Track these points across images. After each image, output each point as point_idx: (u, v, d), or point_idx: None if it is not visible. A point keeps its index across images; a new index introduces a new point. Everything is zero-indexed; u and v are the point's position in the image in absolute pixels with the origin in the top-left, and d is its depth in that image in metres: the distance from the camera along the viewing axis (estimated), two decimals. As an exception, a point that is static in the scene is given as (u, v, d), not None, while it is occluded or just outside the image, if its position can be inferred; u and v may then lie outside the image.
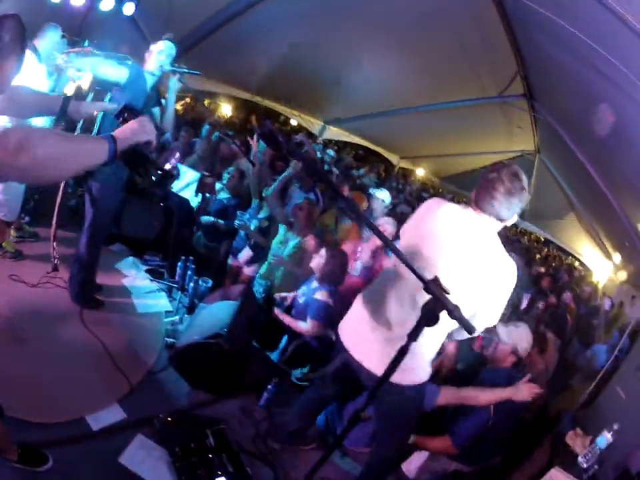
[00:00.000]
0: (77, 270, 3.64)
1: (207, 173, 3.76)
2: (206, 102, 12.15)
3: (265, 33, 7.45)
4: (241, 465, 2.73)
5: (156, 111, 3.66)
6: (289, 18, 7.03)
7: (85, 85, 3.61)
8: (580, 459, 3.05)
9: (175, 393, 3.18)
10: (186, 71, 3.68)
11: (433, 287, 1.53)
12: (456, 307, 1.52)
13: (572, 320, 7.05)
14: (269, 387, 3.34)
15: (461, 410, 3.16)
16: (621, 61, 3.94)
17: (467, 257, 2.22)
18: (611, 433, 3.00)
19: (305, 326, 3.89)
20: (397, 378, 1.96)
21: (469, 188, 13.22)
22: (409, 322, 1.68)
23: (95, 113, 2.21)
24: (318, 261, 3.94)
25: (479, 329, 2.31)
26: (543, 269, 10.95)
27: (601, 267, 10.85)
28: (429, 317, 1.54)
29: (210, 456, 2.67)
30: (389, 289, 2.41)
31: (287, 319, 4.00)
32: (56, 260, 3.55)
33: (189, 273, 4.22)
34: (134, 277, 4.40)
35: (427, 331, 1.61)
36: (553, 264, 14.01)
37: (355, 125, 11.78)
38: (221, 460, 2.68)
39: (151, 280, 4.42)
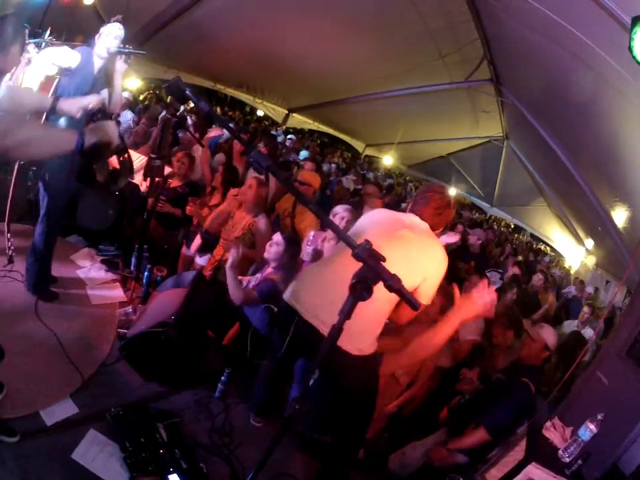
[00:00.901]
0: (33, 260, 3.59)
1: (154, 156, 3.58)
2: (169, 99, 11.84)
3: (225, 20, 7.28)
4: (194, 460, 2.62)
5: (104, 93, 3.55)
6: (249, 4, 6.82)
7: (51, 75, 3.62)
8: (560, 452, 2.73)
9: (128, 386, 3.09)
10: (130, 51, 3.59)
11: (362, 251, 1.46)
12: (394, 276, 1.45)
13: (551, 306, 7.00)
14: (222, 377, 3.22)
15: (487, 398, 3.45)
16: (585, 34, 3.84)
17: (405, 242, 2.65)
18: (594, 423, 2.64)
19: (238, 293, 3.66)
20: (345, 346, 2.42)
21: (437, 175, 13.27)
22: None
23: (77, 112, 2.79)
24: (275, 249, 3.75)
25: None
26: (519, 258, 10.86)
27: (573, 252, 10.90)
28: (360, 288, 1.46)
29: (161, 451, 2.56)
30: (339, 264, 2.62)
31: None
32: (11, 252, 3.60)
33: (143, 262, 4.10)
34: (89, 268, 4.33)
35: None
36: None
37: (319, 112, 11.64)
38: (173, 455, 2.57)
39: (106, 271, 4.35)
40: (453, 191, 13.54)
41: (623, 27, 2.97)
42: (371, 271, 1.43)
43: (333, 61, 8.42)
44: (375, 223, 2.86)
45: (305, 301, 2.60)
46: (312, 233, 4.16)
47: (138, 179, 4.17)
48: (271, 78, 9.58)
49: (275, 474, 2.83)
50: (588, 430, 2.64)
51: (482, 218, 15.54)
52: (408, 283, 2.53)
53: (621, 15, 2.99)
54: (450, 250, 7.03)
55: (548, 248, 14.67)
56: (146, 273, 4.01)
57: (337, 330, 1.60)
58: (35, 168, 4.03)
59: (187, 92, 1.88)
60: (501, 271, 6.94)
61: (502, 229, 16.83)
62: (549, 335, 3.67)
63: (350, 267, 2.21)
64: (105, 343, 3.35)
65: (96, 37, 3.47)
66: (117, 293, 4.09)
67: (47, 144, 1.87)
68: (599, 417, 2.63)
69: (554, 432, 2.92)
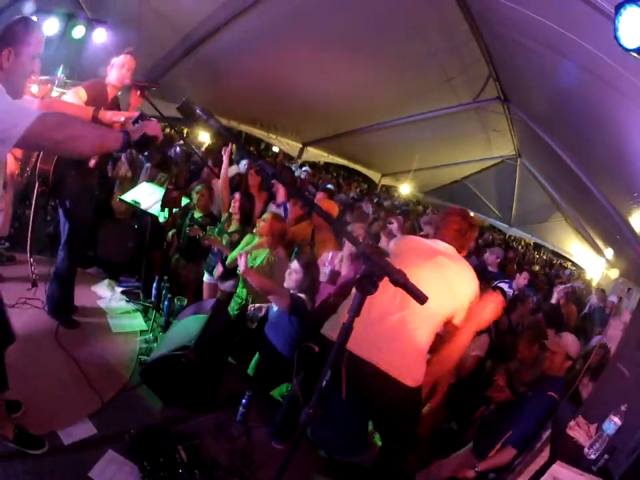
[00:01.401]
0: (56, 286, 3.68)
1: (171, 187, 3.68)
2: (185, 131, 12.08)
3: (234, 56, 7.42)
4: None
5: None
6: (256, 38, 7.00)
7: None
8: (586, 450, 2.63)
9: (148, 410, 3.10)
10: (146, 85, 3.71)
11: (366, 248, 1.51)
12: (399, 271, 1.49)
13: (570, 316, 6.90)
14: (243, 400, 3.21)
15: (512, 412, 3.45)
16: (591, 43, 3.89)
17: (442, 267, 2.78)
18: (618, 416, 2.57)
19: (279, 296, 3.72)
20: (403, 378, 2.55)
21: (454, 200, 13.26)
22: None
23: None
24: (295, 277, 3.80)
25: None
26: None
27: (593, 264, 10.76)
28: (366, 283, 1.51)
29: (180, 471, 2.56)
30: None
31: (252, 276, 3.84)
32: (35, 276, 3.58)
33: (164, 292, 4.14)
34: (109, 298, 4.37)
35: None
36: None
37: (333, 144, 11.74)
38: (192, 475, 2.57)
39: (127, 301, 4.40)
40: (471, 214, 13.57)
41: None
42: (377, 267, 1.48)
43: (342, 92, 8.54)
44: (410, 248, 2.97)
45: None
46: (330, 254, 4.22)
47: (155, 208, 4.24)
48: (283, 112, 9.73)
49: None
50: (612, 423, 2.58)
51: (501, 238, 15.41)
52: (447, 308, 2.74)
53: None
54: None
55: (569, 263, 14.47)
56: (166, 302, 4.04)
57: (348, 327, 1.65)
58: (53, 203, 4.12)
59: (198, 110, 1.98)
60: (508, 280, 6.87)
61: (521, 248, 16.64)
62: (569, 343, 3.66)
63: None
64: (125, 369, 3.39)
65: (107, 68, 3.55)
66: (138, 321, 4.13)
67: (94, 140, 1.96)
68: (623, 408, 2.57)
69: (578, 430, 2.85)
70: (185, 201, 4.62)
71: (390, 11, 6.17)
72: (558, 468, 2.46)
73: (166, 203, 3.75)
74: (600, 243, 9.68)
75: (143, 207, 4.33)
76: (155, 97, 8.59)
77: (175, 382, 3.10)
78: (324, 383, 1.77)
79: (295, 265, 3.79)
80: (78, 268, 3.90)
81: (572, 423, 2.87)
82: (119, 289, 4.56)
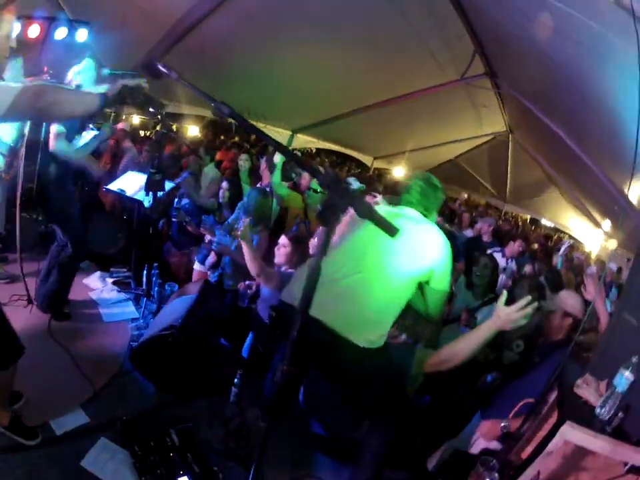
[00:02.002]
0: (55, 280, 3.79)
1: (153, 170, 3.70)
2: (174, 126, 12.04)
3: (218, 47, 7.41)
4: (207, 464, 2.63)
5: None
6: (241, 28, 6.95)
7: None
8: (598, 410, 2.41)
9: (141, 396, 3.13)
10: (123, 72, 3.72)
11: (327, 177, 1.42)
12: (364, 202, 1.47)
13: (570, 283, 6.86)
14: (235, 380, 3.22)
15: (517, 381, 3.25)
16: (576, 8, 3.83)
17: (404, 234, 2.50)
18: (630, 368, 2.33)
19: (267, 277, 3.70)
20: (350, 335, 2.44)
21: (447, 180, 13.16)
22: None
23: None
24: (284, 251, 3.78)
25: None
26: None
27: (591, 236, 10.71)
28: (329, 215, 1.42)
29: (171, 454, 2.59)
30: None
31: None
32: (28, 293, 3.76)
33: (154, 279, 4.18)
34: (101, 289, 4.50)
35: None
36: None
37: (322, 129, 11.57)
38: (185, 459, 2.59)
39: (118, 291, 4.50)
40: (464, 195, 13.54)
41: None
42: (340, 196, 1.40)
43: (328, 76, 8.46)
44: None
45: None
46: (321, 228, 4.21)
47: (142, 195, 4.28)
48: (271, 100, 9.65)
49: (301, 475, 2.86)
50: (624, 377, 2.35)
51: (497, 215, 15.32)
52: (408, 268, 2.64)
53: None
54: (464, 241, 7.01)
55: (566, 236, 14.41)
56: (156, 288, 4.10)
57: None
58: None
59: (159, 66, 1.92)
60: (501, 249, 6.87)
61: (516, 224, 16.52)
62: (565, 299, 3.45)
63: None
64: (117, 356, 3.43)
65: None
66: (129, 310, 4.20)
67: (74, 103, 2.07)
68: (634, 360, 2.35)
69: (587, 389, 2.60)
70: (169, 185, 4.63)
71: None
72: (568, 429, 2.26)
73: (149, 186, 3.76)
74: (597, 215, 9.63)
75: (128, 193, 4.42)
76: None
77: (165, 365, 3.10)
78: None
79: (283, 239, 3.79)
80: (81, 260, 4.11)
81: (579, 382, 2.63)
82: (110, 280, 4.65)
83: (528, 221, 16.97)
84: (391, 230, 1.43)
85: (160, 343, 3.05)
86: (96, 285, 4.56)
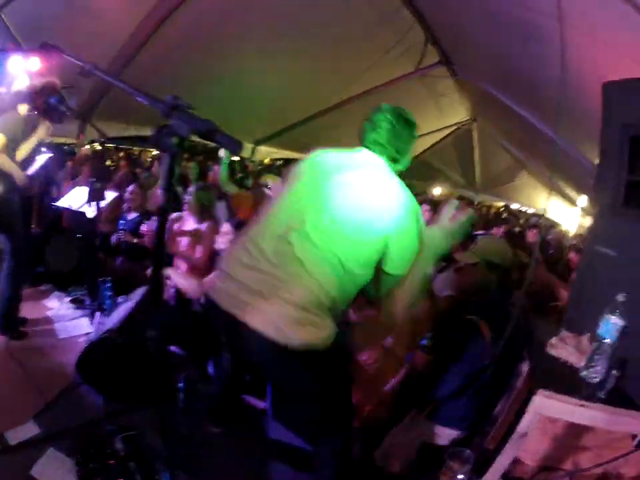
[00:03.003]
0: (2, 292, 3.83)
1: (94, 179, 3.67)
2: (135, 150, 11.84)
3: (173, 62, 7.29)
4: (152, 472, 2.54)
5: None
6: (194, 42, 6.89)
7: None
8: (583, 372, 1.90)
9: (90, 406, 3.13)
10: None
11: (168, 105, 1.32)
12: (206, 121, 1.33)
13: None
14: (179, 385, 3.12)
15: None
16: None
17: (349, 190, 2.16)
18: (617, 311, 1.82)
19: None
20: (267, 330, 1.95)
21: (416, 176, 13.01)
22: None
23: None
24: (228, 239, 3.65)
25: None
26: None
27: (568, 215, 10.64)
28: (165, 136, 1.31)
29: (111, 462, 2.55)
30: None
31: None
32: None
33: (105, 292, 4.18)
34: (58, 308, 4.66)
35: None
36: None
37: (283, 139, 11.44)
38: (125, 467, 2.53)
39: (75, 308, 4.65)
40: (437, 190, 13.44)
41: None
42: (183, 120, 1.30)
43: (283, 83, 8.40)
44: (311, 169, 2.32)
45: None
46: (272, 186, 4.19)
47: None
48: (232, 113, 9.43)
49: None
50: (610, 324, 1.83)
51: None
52: (366, 250, 2.09)
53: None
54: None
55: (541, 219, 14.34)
56: (108, 302, 4.09)
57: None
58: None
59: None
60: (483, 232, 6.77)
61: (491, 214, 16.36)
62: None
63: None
64: (69, 369, 3.42)
65: None
66: (84, 325, 4.29)
67: None
68: (620, 298, 1.82)
69: (565, 347, 2.07)
70: (110, 195, 4.60)
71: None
72: (542, 400, 1.70)
73: (91, 196, 3.76)
74: (572, 193, 9.58)
75: (74, 207, 4.46)
76: (100, 120, 8.49)
77: (111, 372, 3.06)
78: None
79: (225, 226, 3.67)
80: (31, 286, 4.38)
81: (554, 340, 2.14)
82: (67, 299, 4.80)
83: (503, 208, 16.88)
84: (234, 146, 1.39)
85: (100, 348, 3.07)
86: (53, 305, 4.70)
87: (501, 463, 1.82)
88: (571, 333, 2.20)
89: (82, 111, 8.10)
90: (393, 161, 2.27)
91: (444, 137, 11.50)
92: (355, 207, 2.10)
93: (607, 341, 1.86)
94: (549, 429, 1.90)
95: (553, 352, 2.10)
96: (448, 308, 3.14)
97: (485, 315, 2.84)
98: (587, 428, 1.82)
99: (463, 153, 11.85)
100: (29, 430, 2.83)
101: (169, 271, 3.82)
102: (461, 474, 1.89)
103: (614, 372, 1.82)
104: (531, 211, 12.58)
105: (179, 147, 1.33)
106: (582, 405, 1.67)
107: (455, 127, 10.99)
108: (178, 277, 3.86)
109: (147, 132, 9.54)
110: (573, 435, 1.89)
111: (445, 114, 10.10)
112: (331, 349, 2.02)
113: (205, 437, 2.92)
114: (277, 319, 1.94)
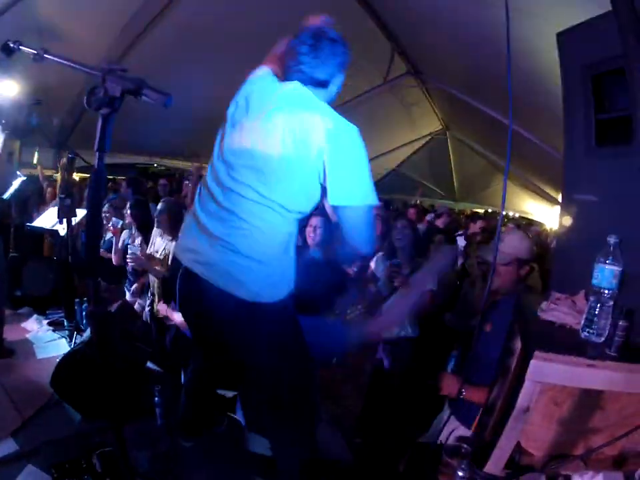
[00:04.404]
0: None
1: (62, 195, 3.60)
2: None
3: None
4: None
5: None
6: (156, 68, 6.83)
7: None
8: (585, 333, 1.61)
9: (68, 424, 3.10)
10: None
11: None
12: (137, 79, 1.39)
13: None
14: (155, 399, 3.04)
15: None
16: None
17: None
18: (610, 257, 1.56)
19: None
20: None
21: (394, 191, 13.03)
22: None
23: None
24: None
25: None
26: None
27: (549, 213, 10.65)
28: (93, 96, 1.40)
29: (85, 477, 2.50)
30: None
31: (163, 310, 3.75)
32: None
33: (83, 313, 4.24)
34: (37, 330, 4.66)
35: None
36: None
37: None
38: None
39: (53, 330, 4.64)
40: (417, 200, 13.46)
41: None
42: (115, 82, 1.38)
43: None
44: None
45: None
46: None
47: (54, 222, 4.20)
48: (202, 136, 9.45)
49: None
50: (605, 271, 1.56)
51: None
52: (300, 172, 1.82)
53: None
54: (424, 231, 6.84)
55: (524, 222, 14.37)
56: (84, 321, 4.13)
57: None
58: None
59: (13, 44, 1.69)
60: (461, 232, 6.72)
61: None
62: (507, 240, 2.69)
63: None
64: (46, 388, 3.39)
65: None
66: (62, 345, 4.28)
67: None
68: (611, 240, 1.57)
69: (558, 309, 1.80)
70: (81, 212, 4.46)
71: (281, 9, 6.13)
72: (540, 365, 1.46)
73: (61, 213, 3.70)
74: (551, 191, 9.62)
75: (46, 227, 4.52)
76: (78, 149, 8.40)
77: (86, 387, 2.98)
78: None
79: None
80: (9, 309, 4.31)
81: (544, 305, 1.84)
82: (46, 321, 4.80)
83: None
84: (163, 98, 1.39)
85: (71, 361, 3.08)
86: (32, 327, 4.72)
87: (503, 447, 1.63)
88: (562, 294, 1.90)
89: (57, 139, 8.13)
90: (320, 85, 1.95)
91: (418, 149, 11.61)
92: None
93: (607, 290, 1.58)
94: (555, 413, 1.66)
95: (545, 316, 1.80)
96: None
97: None
98: (596, 407, 1.63)
99: (439, 163, 11.92)
100: (7, 447, 2.80)
101: (165, 310, 3.74)
102: (460, 470, 1.73)
103: (621, 323, 1.51)
104: (511, 214, 12.56)
105: (109, 106, 1.38)
106: (591, 366, 1.44)
107: (429, 138, 11.13)
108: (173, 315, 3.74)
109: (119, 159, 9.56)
110: (582, 417, 1.67)
111: (417, 125, 10.22)
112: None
113: (181, 452, 2.84)
114: None
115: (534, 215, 11.76)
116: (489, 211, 12.60)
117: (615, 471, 1.67)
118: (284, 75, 2.02)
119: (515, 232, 3.15)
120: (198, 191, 2.07)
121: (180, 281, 1.99)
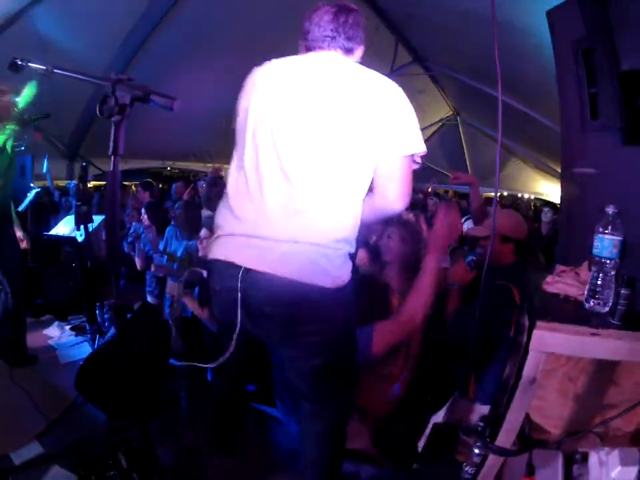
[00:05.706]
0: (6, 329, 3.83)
1: (79, 203, 3.67)
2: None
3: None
4: None
5: None
6: (166, 71, 6.97)
7: None
8: (590, 304, 1.57)
9: (93, 424, 3.15)
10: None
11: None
12: (143, 86, 1.50)
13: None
14: (181, 394, 3.17)
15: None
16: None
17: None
18: (609, 226, 1.57)
19: None
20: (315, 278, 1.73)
21: (409, 180, 13.01)
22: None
23: None
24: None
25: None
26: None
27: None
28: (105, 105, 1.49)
29: (112, 473, 2.52)
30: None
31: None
32: None
33: (105, 316, 4.28)
34: (59, 336, 4.66)
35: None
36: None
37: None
38: (127, 477, 2.50)
39: (75, 335, 4.65)
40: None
41: None
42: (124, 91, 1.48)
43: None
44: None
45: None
46: None
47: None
48: (212, 136, 9.50)
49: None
50: (605, 241, 1.57)
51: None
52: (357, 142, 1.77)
53: None
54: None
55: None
56: (107, 324, 4.16)
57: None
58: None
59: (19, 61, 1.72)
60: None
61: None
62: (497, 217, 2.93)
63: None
64: (70, 391, 3.41)
65: None
66: (84, 349, 4.28)
67: None
68: (610, 210, 1.58)
69: (562, 281, 1.79)
70: (98, 218, 4.58)
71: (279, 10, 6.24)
72: (543, 335, 1.46)
73: (78, 220, 3.77)
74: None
75: (64, 234, 4.57)
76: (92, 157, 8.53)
77: (109, 386, 3.03)
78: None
79: (204, 232, 3.67)
80: (31, 318, 4.33)
81: (549, 278, 1.83)
82: (68, 327, 4.81)
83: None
84: (169, 102, 1.50)
85: (95, 361, 3.10)
86: (54, 334, 4.71)
87: (512, 420, 1.59)
88: (566, 267, 1.89)
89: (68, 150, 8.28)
90: (349, 52, 1.95)
91: (430, 136, 11.51)
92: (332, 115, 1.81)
93: (608, 260, 1.57)
94: (570, 389, 1.74)
95: (550, 288, 1.79)
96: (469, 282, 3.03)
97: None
98: (610, 383, 1.68)
99: (451, 149, 11.81)
100: (33, 450, 2.85)
101: (186, 299, 3.75)
102: (476, 448, 1.76)
103: (623, 291, 1.50)
104: (527, 196, 12.43)
105: (120, 113, 1.47)
106: (595, 334, 1.43)
107: (440, 124, 11.07)
108: (193, 305, 3.74)
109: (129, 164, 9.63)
110: (596, 393, 1.72)
111: (427, 111, 10.14)
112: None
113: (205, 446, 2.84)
114: None
115: (549, 196, 11.58)
116: (505, 194, 12.50)
117: (631, 446, 1.71)
118: (308, 47, 1.95)
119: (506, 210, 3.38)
120: (247, 186, 1.88)
121: (232, 282, 1.82)
